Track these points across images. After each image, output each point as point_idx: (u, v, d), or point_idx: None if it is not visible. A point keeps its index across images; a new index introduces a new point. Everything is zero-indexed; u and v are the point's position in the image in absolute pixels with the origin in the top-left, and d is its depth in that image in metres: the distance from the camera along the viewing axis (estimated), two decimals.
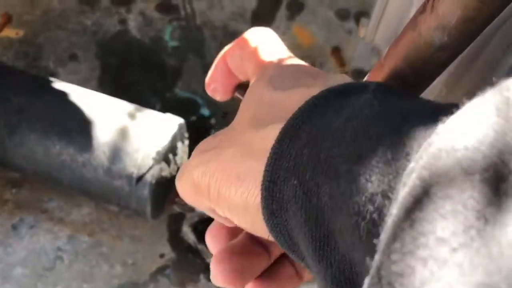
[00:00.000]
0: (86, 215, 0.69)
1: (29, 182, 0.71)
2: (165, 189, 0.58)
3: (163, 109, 0.81)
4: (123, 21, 0.87)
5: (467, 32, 0.29)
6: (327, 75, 0.20)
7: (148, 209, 0.56)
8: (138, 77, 0.84)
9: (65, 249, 0.66)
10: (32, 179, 0.71)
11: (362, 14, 0.89)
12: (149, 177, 0.54)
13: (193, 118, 0.79)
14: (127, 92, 0.81)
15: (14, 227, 0.68)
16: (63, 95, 0.58)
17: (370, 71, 0.36)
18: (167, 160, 0.56)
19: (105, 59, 0.84)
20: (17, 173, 0.67)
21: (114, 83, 0.83)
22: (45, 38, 0.85)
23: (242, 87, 0.35)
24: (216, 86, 0.24)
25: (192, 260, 0.67)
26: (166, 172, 0.56)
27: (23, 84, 0.59)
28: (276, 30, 0.90)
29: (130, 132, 0.56)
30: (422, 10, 0.30)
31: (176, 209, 0.67)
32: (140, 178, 0.54)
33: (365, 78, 0.35)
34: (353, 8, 0.91)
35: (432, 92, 0.41)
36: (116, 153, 0.54)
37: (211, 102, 0.81)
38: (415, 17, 0.31)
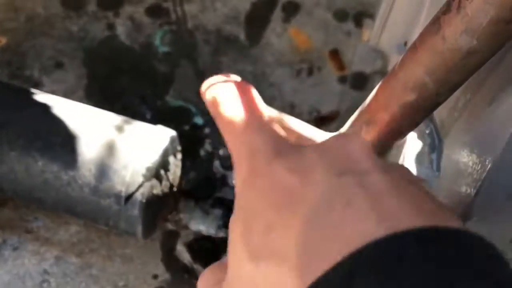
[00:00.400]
0: (74, 234, 0.65)
1: (12, 200, 0.67)
2: (157, 207, 0.54)
3: (154, 119, 0.77)
4: (111, 26, 0.83)
5: (500, 35, 0.25)
6: None
7: (139, 229, 0.52)
8: (128, 85, 0.80)
9: (52, 272, 0.62)
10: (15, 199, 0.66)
11: (361, 15, 0.85)
12: (139, 196, 0.50)
13: (186, 127, 0.75)
14: (116, 101, 0.77)
15: None
16: (45, 107, 0.54)
17: (382, 81, 0.32)
18: (158, 177, 0.52)
19: (93, 67, 0.80)
20: None
21: (103, 92, 0.79)
22: (29, 46, 0.81)
23: None
24: None
25: (188, 280, 0.62)
26: (157, 190, 0.52)
27: (1, 97, 0.54)
28: (272, 32, 0.86)
29: (118, 147, 0.52)
30: (446, 10, 0.25)
31: (170, 226, 0.63)
32: (129, 197, 0.50)
33: (374, 90, 0.31)
34: (352, 9, 0.87)
35: (450, 101, 0.37)
36: (103, 170, 0.50)
37: (205, 111, 0.77)
38: (437, 17, 0.26)
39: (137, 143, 0.52)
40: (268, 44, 0.84)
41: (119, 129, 0.53)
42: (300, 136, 0.38)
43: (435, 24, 0.27)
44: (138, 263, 0.63)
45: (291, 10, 0.87)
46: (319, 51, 0.84)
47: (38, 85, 0.76)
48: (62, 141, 0.52)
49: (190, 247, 0.62)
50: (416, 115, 0.30)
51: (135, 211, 0.50)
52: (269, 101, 0.81)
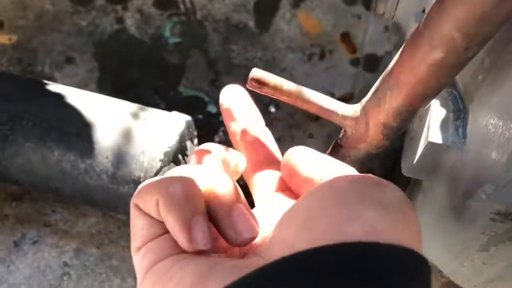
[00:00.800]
0: (93, 225, 0.65)
1: (29, 194, 0.67)
2: None
3: (168, 109, 0.76)
4: (120, 20, 0.83)
5: None
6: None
7: None
8: (139, 77, 0.79)
9: (72, 264, 0.62)
10: (32, 191, 0.66)
11: None
12: None
13: (200, 116, 0.75)
14: (128, 94, 0.77)
15: (16, 244, 0.63)
16: (59, 98, 0.54)
17: (406, 42, 0.31)
18: (176, 161, 0.51)
19: (104, 60, 0.80)
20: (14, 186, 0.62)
21: (114, 85, 0.78)
22: (40, 42, 0.81)
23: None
24: None
25: None
26: None
27: (15, 88, 0.54)
28: (282, 19, 0.85)
29: (134, 133, 0.51)
30: None
31: None
32: None
33: (402, 47, 0.30)
34: None
35: (473, 63, 0.36)
36: (121, 157, 0.50)
37: (217, 99, 0.76)
38: None
39: (153, 129, 0.52)
40: (278, 31, 0.83)
41: (135, 116, 0.53)
42: (321, 108, 0.37)
43: None
44: None
45: None
46: (330, 35, 0.83)
47: (50, 80, 0.75)
48: (78, 130, 0.51)
49: None
50: (443, 74, 0.29)
51: None
52: None
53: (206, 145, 0.24)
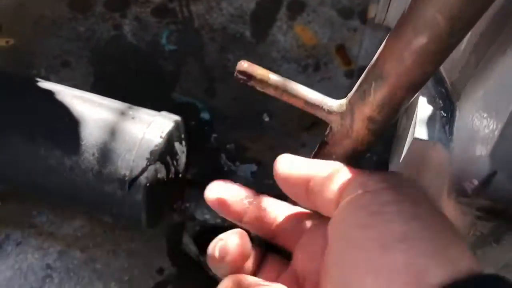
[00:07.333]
0: (79, 228, 0.63)
1: (16, 195, 0.66)
2: (162, 193, 0.53)
3: None
4: (117, 27, 0.83)
5: None
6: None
7: (143, 216, 0.50)
8: (134, 83, 0.79)
9: (55, 266, 0.61)
10: (16, 189, 0.65)
11: (367, 11, 0.84)
12: (143, 180, 0.49)
13: (193, 123, 0.74)
14: (123, 99, 0.77)
15: None
16: (47, 94, 0.53)
17: (390, 31, 0.31)
18: (163, 161, 0.51)
19: (100, 66, 0.80)
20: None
21: (109, 90, 0.78)
22: (37, 46, 0.81)
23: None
24: None
25: (194, 275, 0.60)
26: (162, 175, 0.51)
27: (4, 84, 0.54)
28: (278, 31, 0.85)
29: (121, 131, 0.51)
30: None
31: (176, 217, 0.61)
32: (133, 181, 0.48)
33: (387, 36, 0.30)
34: (357, 6, 0.87)
35: (460, 61, 0.36)
36: (107, 154, 0.49)
37: (211, 106, 0.76)
38: None
39: (141, 127, 0.51)
40: (274, 42, 0.83)
41: (122, 114, 0.53)
42: (306, 102, 0.37)
43: None
44: (143, 257, 0.62)
45: (296, 9, 0.87)
46: (326, 47, 0.83)
47: None
48: (65, 127, 0.51)
49: (196, 239, 0.60)
50: (427, 61, 0.29)
51: (139, 196, 0.49)
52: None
53: None
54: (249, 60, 0.36)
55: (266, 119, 0.75)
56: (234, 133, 0.73)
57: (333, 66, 0.81)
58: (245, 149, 0.72)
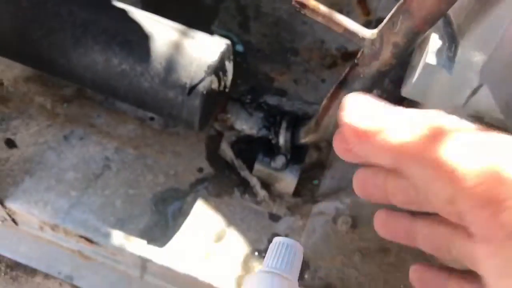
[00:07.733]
0: (132, 130, 0.76)
1: (78, 99, 0.77)
2: (212, 102, 0.64)
3: None
4: None
5: None
6: None
7: (197, 118, 0.62)
8: (176, 14, 0.89)
9: (112, 158, 0.73)
10: (83, 95, 0.77)
11: None
12: (201, 88, 0.60)
13: None
14: None
15: (66, 138, 0.74)
16: (123, 11, 0.64)
17: None
18: (217, 75, 0.62)
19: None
20: (76, 85, 0.73)
21: None
22: None
23: None
24: None
25: (228, 175, 0.73)
26: (215, 86, 0.63)
27: (88, 1, 0.64)
28: None
29: (184, 46, 0.62)
30: None
31: (216, 127, 0.73)
32: (192, 88, 0.60)
33: None
34: None
35: (466, 8, 0.47)
36: (171, 64, 0.61)
37: (245, 40, 0.87)
38: None
39: (200, 45, 0.62)
40: None
41: (184, 33, 0.63)
42: (346, 29, 0.48)
43: None
44: (186, 158, 0.74)
45: None
46: None
47: None
48: (138, 39, 0.62)
49: (232, 146, 0.73)
50: (443, 2, 0.40)
51: (197, 101, 0.61)
52: (301, 37, 0.92)
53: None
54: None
55: (292, 57, 0.86)
56: (264, 66, 0.84)
57: (353, 16, 0.91)
58: (273, 80, 0.83)
